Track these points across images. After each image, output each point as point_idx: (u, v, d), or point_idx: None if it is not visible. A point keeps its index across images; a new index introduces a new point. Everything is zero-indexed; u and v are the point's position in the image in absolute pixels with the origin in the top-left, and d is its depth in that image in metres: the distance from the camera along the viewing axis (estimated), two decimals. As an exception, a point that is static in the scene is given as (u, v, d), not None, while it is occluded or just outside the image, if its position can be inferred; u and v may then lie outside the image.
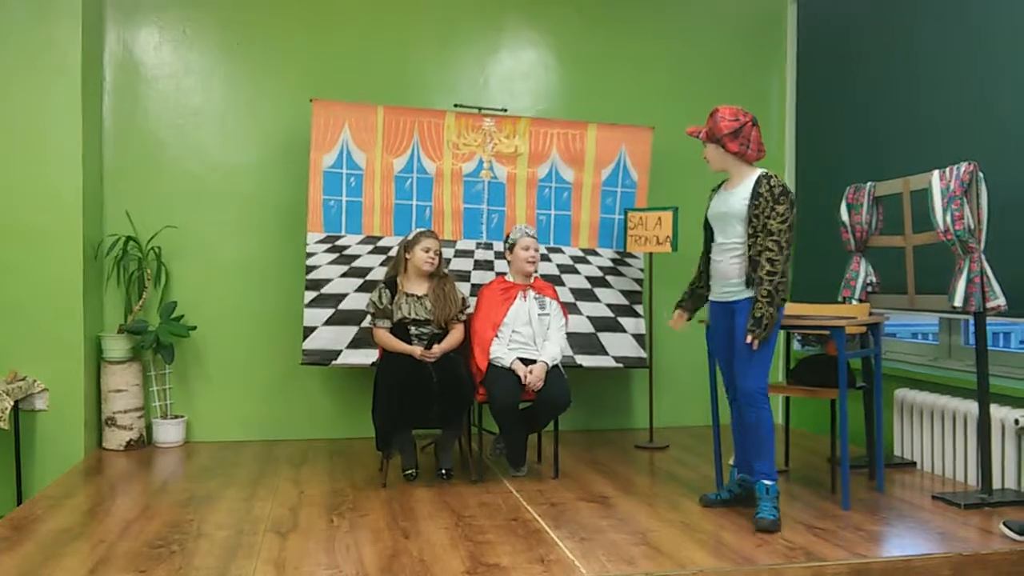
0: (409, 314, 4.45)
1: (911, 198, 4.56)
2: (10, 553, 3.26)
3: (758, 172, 3.77)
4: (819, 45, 6.09)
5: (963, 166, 4.15)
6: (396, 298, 4.49)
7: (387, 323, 4.47)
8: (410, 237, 4.59)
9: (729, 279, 3.80)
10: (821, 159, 5.93)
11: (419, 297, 4.50)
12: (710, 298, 3.99)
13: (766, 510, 3.63)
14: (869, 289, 4.84)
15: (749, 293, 3.70)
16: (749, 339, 3.60)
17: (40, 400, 4.72)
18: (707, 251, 4.01)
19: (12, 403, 4.36)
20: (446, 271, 4.73)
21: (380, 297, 4.49)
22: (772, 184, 3.70)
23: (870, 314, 4.44)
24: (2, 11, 4.79)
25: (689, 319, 4.18)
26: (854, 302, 4.78)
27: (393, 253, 5.14)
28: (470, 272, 5.44)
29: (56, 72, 4.88)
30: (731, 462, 4.11)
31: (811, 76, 6.12)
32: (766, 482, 3.68)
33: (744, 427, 3.79)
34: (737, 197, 3.76)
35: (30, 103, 4.84)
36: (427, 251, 4.51)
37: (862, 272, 4.84)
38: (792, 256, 4.13)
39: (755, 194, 3.69)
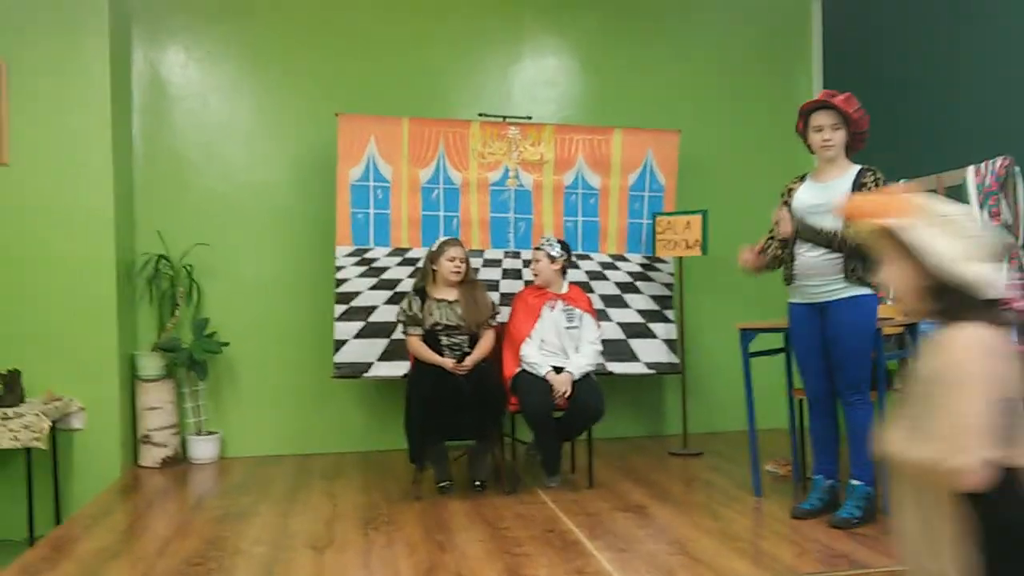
0: (440, 320, 4.44)
1: (945, 195, 4.48)
2: (51, 573, 3.29)
3: (857, 165, 3.72)
4: (845, 44, 6.03)
5: (998, 160, 4.08)
6: (426, 305, 4.48)
7: (419, 330, 4.46)
8: (435, 247, 4.60)
9: (825, 275, 3.67)
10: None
11: (449, 302, 4.49)
12: (794, 300, 3.86)
13: (847, 508, 3.61)
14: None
15: (851, 291, 3.61)
16: (782, 227, 3.62)
17: (77, 419, 4.76)
18: (786, 245, 3.83)
19: (51, 423, 4.40)
20: (475, 277, 4.73)
21: (410, 304, 4.49)
22: (877, 176, 3.65)
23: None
24: (31, 35, 4.84)
25: (757, 269, 3.97)
26: (890, 303, 4.70)
27: (421, 264, 5.15)
28: (498, 281, 5.42)
29: (86, 94, 4.92)
30: (813, 474, 3.98)
31: (838, 75, 6.04)
32: (855, 482, 3.65)
33: (850, 426, 3.69)
34: (837, 189, 3.67)
35: (61, 126, 4.88)
36: (452, 260, 4.51)
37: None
38: None
39: (858, 185, 3.63)
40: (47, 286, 4.83)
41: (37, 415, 4.31)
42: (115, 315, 4.95)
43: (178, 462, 5.25)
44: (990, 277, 1.66)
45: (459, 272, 4.51)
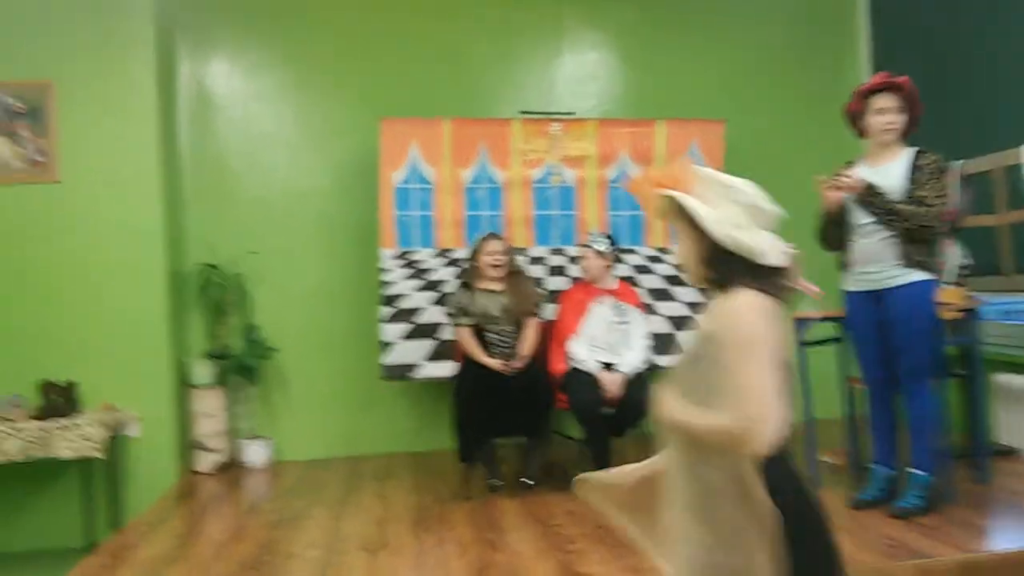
0: (486, 310, 4.47)
1: (1003, 174, 4.34)
2: (109, 579, 3.34)
3: (911, 148, 3.65)
4: (894, 26, 5.88)
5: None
6: (473, 295, 4.54)
7: (468, 320, 4.50)
8: (475, 244, 4.66)
9: (882, 261, 3.60)
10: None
11: (495, 292, 4.53)
12: (850, 289, 3.78)
13: (908, 498, 3.54)
14: (962, 272, 4.62)
15: (910, 276, 3.53)
16: (852, 183, 3.49)
17: (132, 428, 4.84)
18: (842, 232, 3.73)
19: (109, 434, 4.47)
20: (519, 267, 4.78)
21: (459, 297, 4.56)
22: (934, 158, 3.58)
23: (964, 297, 4.23)
24: (76, 51, 4.93)
25: (833, 215, 3.74)
26: (946, 286, 4.57)
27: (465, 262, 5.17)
28: (545, 279, 5.38)
29: (132, 107, 5.00)
30: (872, 463, 3.88)
31: (886, 59, 5.89)
32: (916, 471, 3.57)
33: (911, 415, 3.61)
34: (893, 172, 3.61)
35: (109, 140, 4.97)
36: (491, 255, 4.56)
37: (953, 254, 4.62)
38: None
39: (915, 168, 3.56)
40: (99, 298, 4.91)
41: (94, 426, 4.38)
42: (167, 324, 5.03)
43: (232, 467, 5.31)
44: (768, 244, 1.69)
45: (498, 265, 4.55)
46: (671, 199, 1.75)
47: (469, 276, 4.66)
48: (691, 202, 1.72)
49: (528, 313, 4.56)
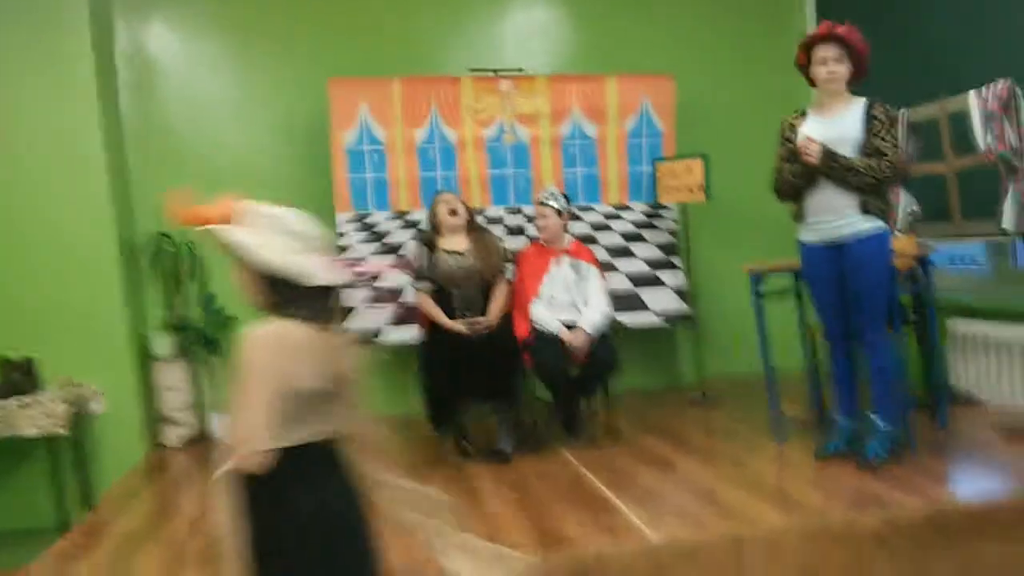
0: (450, 272, 4.38)
1: (949, 121, 4.43)
2: (85, 560, 3.31)
3: (861, 98, 3.67)
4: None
5: (1000, 84, 4.04)
6: (434, 256, 4.44)
7: (427, 285, 4.42)
8: (431, 203, 4.61)
9: (839, 210, 3.61)
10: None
11: (460, 253, 4.43)
12: (807, 240, 3.77)
13: (873, 448, 3.60)
14: (911, 219, 4.73)
15: (866, 225, 3.56)
16: (812, 151, 3.52)
17: (96, 404, 4.75)
18: (799, 178, 3.70)
19: (70, 409, 4.40)
20: (481, 225, 4.74)
21: (418, 259, 4.47)
22: (887, 108, 3.61)
23: (917, 245, 4.34)
24: (11, 20, 4.73)
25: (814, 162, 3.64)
26: (898, 234, 4.68)
27: (424, 226, 5.13)
28: (502, 239, 5.37)
29: (70, 75, 4.82)
30: (835, 415, 3.96)
31: (831, 6, 5.93)
32: (879, 421, 3.64)
33: (872, 365, 3.67)
34: (848, 122, 3.62)
35: (48, 110, 4.80)
36: (446, 203, 4.49)
37: (903, 202, 4.72)
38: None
39: (869, 118, 3.59)
40: (52, 274, 4.79)
41: (55, 401, 4.31)
42: (121, 296, 4.92)
43: (200, 441, 5.26)
44: (311, 267, 1.86)
45: (455, 212, 4.47)
46: (214, 233, 1.87)
47: (429, 235, 4.56)
48: (232, 233, 1.85)
49: (494, 273, 4.47)
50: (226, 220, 1.89)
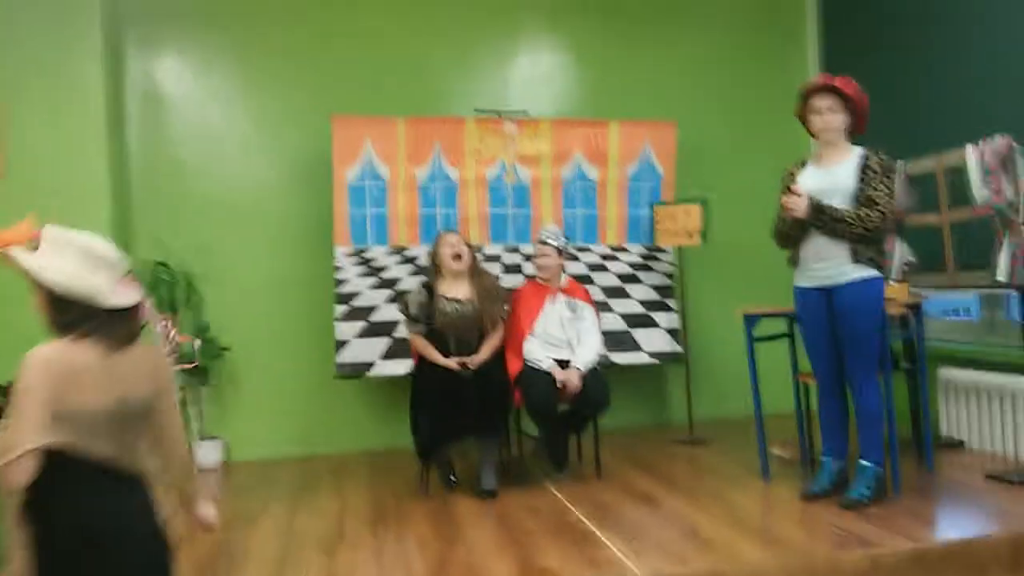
0: (449, 319, 4.35)
1: (945, 174, 4.48)
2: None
3: (859, 148, 3.71)
4: (841, 24, 6.02)
5: (998, 139, 4.08)
6: (435, 301, 4.40)
7: (420, 327, 4.40)
8: (433, 242, 4.59)
9: (831, 258, 3.65)
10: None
11: (460, 301, 4.40)
12: (800, 284, 3.83)
13: (857, 489, 3.60)
14: (906, 269, 4.76)
15: (857, 273, 3.60)
16: (796, 205, 3.56)
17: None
18: (791, 230, 3.76)
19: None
20: (484, 270, 4.69)
21: (407, 305, 4.44)
22: (881, 158, 3.65)
23: (909, 294, 4.37)
24: (24, 50, 4.85)
25: (799, 215, 3.68)
26: (892, 283, 4.70)
27: (421, 262, 5.17)
28: (499, 277, 5.40)
29: (80, 102, 4.93)
30: (822, 455, 3.95)
31: (834, 59, 6.03)
32: (865, 463, 3.65)
33: (859, 408, 3.68)
34: (842, 172, 3.66)
35: (56, 136, 4.88)
36: (450, 245, 4.44)
37: (898, 252, 4.75)
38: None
39: (864, 168, 3.62)
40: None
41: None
42: (116, 323, 4.94)
43: (185, 468, 5.22)
44: (102, 289, 1.92)
45: (459, 256, 4.43)
46: (7, 257, 1.93)
47: (430, 277, 4.54)
48: (22, 257, 1.92)
49: (494, 322, 4.43)
50: (23, 243, 1.96)
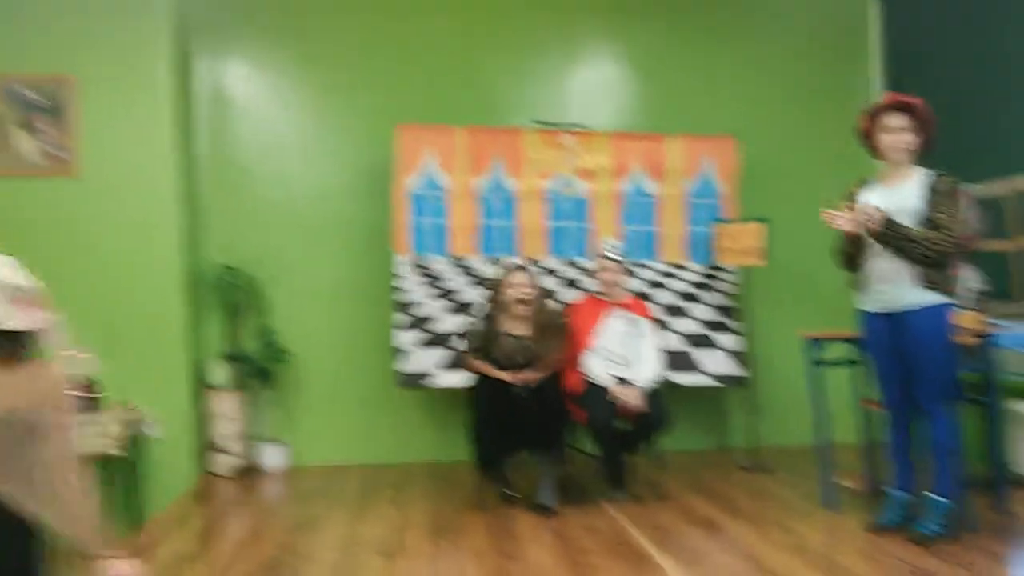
0: (508, 355, 4.37)
1: (1016, 199, 4.38)
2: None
3: (925, 169, 3.65)
4: (905, 46, 5.92)
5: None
6: (495, 336, 4.42)
7: (482, 356, 4.43)
8: (502, 276, 4.57)
9: (897, 281, 3.59)
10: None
11: (520, 337, 4.42)
12: (867, 309, 3.76)
13: (927, 524, 3.51)
14: (977, 296, 4.64)
15: (926, 298, 3.53)
16: (874, 218, 3.49)
17: (151, 428, 4.84)
18: (856, 253, 3.73)
19: (125, 430, 4.48)
20: (550, 309, 4.66)
21: (480, 333, 4.48)
22: (950, 180, 3.58)
23: (981, 322, 4.25)
24: (96, 44, 4.99)
25: (852, 235, 3.69)
26: (963, 310, 4.59)
27: (479, 272, 5.26)
28: (557, 291, 5.40)
29: (151, 107, 5.06)
30: (890, 487, 3.85)
31: (898, 79, 5.94)
32: (936, 497, 3.55)
33: (931, 439, 3.59)
34: (907, 192, 3.60)
35: (127, 139, 5.02)
36: (518, 287, 4.44)
37: (965, 278, 4.65)
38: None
39: (930, 189, 3.56)
40: (117, 298, 4.95)
41: (113, 423, 4.39)
42: (182, 324, 5.06)
43: (249, 470, 5.32)
44: (3, 312, 1.95)
45: (525, 301, 4.42)
46: None
47: (493, 311, 4.53)
48: None
49: (550, 361, 4.40)
50: None
